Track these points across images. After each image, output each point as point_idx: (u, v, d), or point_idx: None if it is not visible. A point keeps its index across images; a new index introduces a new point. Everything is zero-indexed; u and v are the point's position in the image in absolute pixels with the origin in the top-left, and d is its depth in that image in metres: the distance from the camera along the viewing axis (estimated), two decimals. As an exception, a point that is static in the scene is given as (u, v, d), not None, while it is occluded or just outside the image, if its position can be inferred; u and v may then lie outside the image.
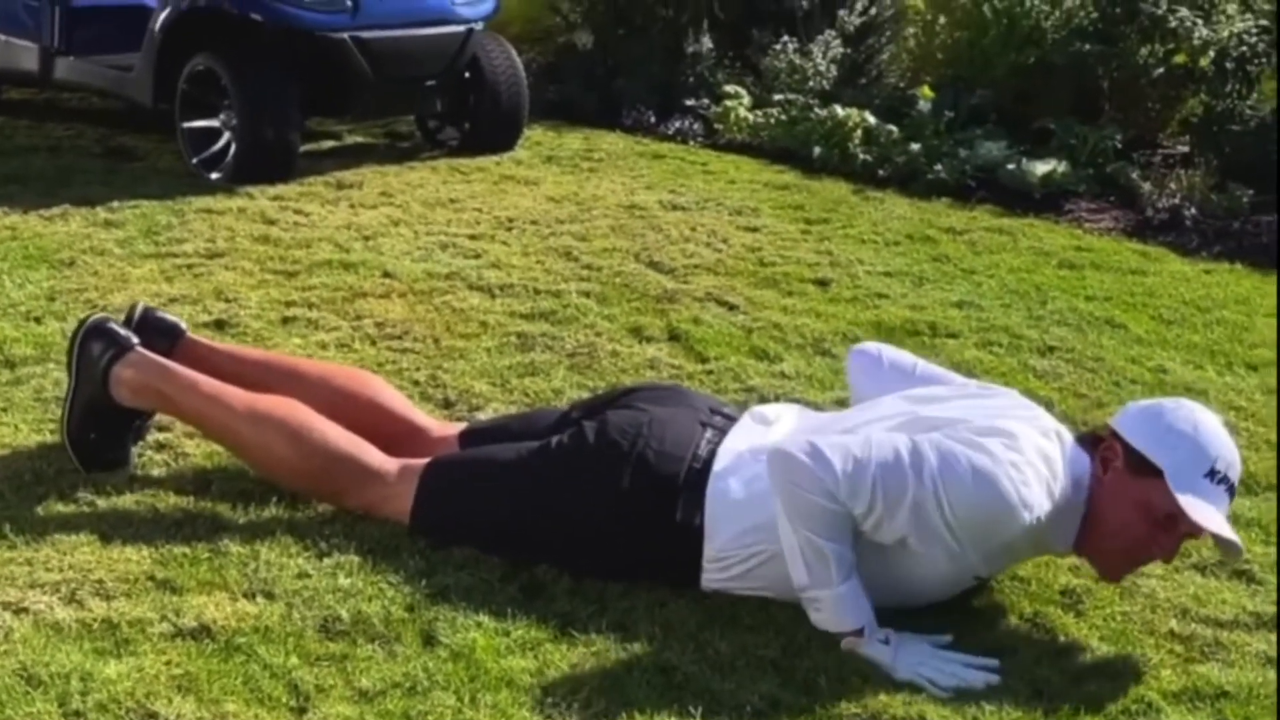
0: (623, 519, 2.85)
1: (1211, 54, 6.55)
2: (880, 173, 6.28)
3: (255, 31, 6.06)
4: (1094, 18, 6.90)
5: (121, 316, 3.37)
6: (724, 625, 2.72)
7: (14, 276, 4.51)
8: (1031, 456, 2.68)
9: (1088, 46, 6.79)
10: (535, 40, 8.60)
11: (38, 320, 4.14)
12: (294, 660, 2.54)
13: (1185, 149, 6.74)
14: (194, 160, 6.04)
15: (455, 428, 3.32)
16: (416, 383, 3.82)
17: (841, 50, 7.49)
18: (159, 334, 3.33)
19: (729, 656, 2.63)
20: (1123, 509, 2.73)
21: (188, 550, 2.87)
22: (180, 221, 5.24)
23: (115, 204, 5.41)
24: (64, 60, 6.62)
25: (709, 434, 2.93)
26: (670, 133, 7.20)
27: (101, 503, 3.06)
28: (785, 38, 7.47)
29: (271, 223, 5.30)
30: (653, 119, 7.34)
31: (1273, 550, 3.12)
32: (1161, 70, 6.71)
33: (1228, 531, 2.71)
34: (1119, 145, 6.40)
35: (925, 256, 5.21)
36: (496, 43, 6.75)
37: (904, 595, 2.75)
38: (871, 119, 6.55)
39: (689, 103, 7.38)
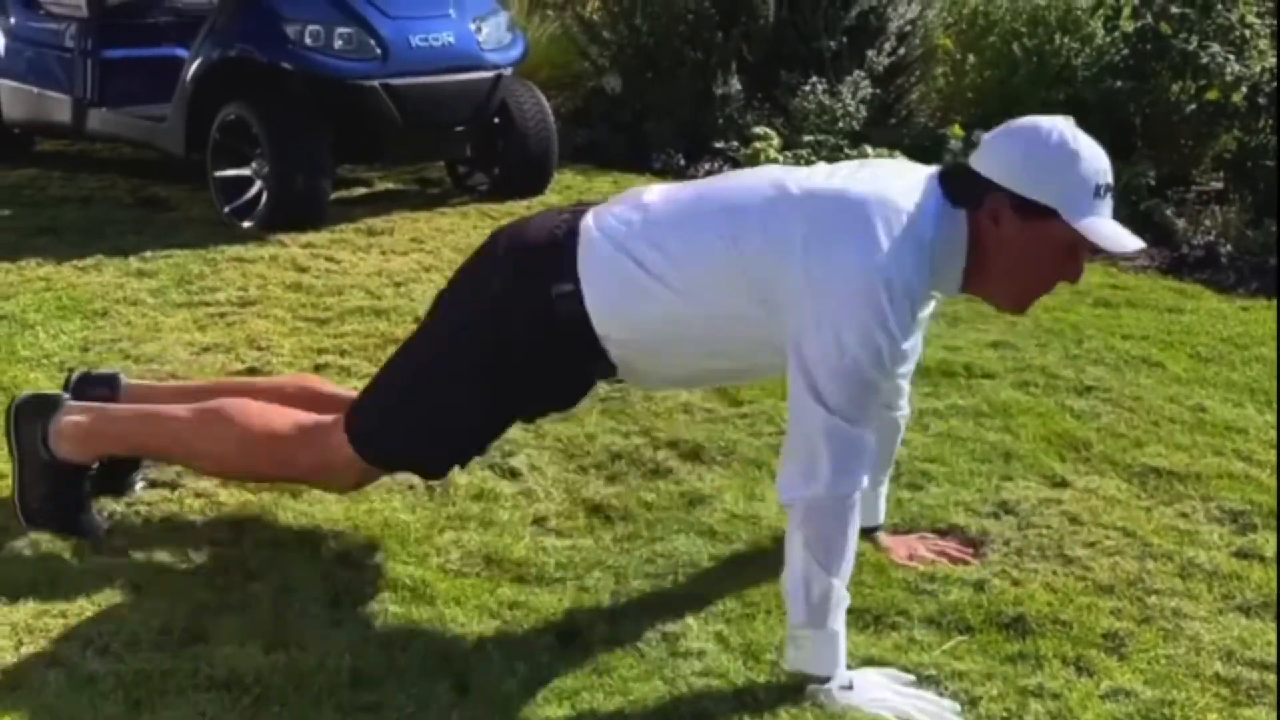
0: (509, 318, 2.83)
1: (1244, 90, 6.51)
2: (912, 212, 6.25)
3: (285, 80, 6.10)
4: (1124, 55, 6.88)
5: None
6: (766, 672, 2.69)
7: (48, 327, 4.53)
8: (908, 252, 2.58)
9: (1119, 84, 6.77)
10: (564, 85, 8.64)
11: (72, 371, 4.14)
12: (328, 711, 2.52)
13: (1219, 185, 6.70)
14: (226, 209, 6.07)
15: None
16: (449, 429, 3.80)
17: (871, 90, 7.48)
18: (97, 386, 3.34)
19: (770, 705, 2.60)
20: (1020, 252, 2.66)
21: (221, 600, 2.86)
22: (212, 270, 5.26)
23: (148, 254, 5.43)
24: (96, 111, 6.68)
25: (565, 216, 2.92)
26: (700, 175, 7.19)
27: (135, 553, 3.05)
28: (814, 79, 7.47)
29: (303, 270, 5.31)
30: (682, 161, 7.35)
31: (1320, 591, 3.07)
32: (1194, 107, 6.67)
33: (1132, 243, 2.64)
34: (1152, 182, 6.36)
35: (959, 296, 5.16)
36: (525, 88, 6.77)
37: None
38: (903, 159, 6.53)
39: (718, 145, 7.38)
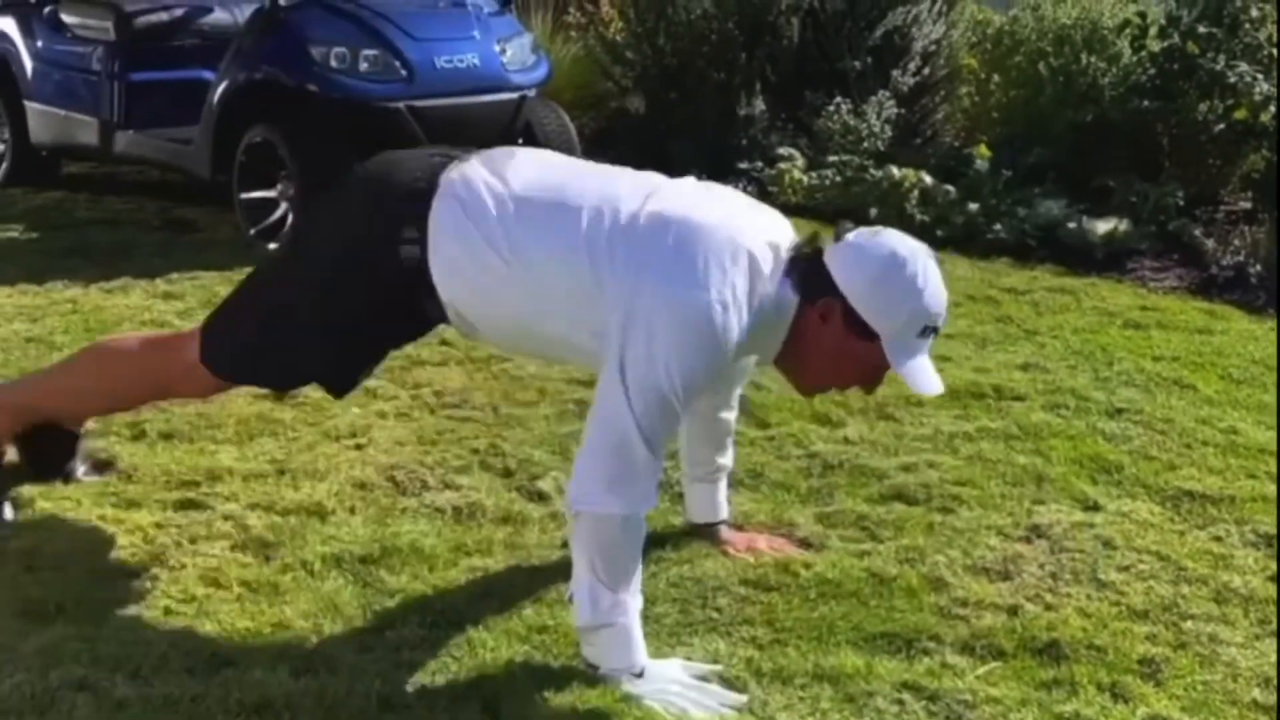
0: (357, 252, 2.93)
1: (1272, 109, 6.49)
2: (938, 233, 6.23)
3: (311, 102, 6.11)
4: (1152, 74, 6.86)
5: None
6: (797, 698, 2.66)
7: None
8: (739, 296, 2.65)
9: (1146, 103, 6.75)
10: (588, 106, 8.64)
11: None
12: (358, 737, 2.51)
13: (1248, 205, 6.67)
14: (252, 231, 6.07)
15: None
16: (475, 451, 3.79)
17: (895, 110, 7.47)
18: None
19: (800, 731, 2.58)
20: (833, 356, 2.77)
21: (250, 624, 2.85)
22: (239, 292, 5.26)
23: (174, 275, 5.44)
24: (123, 134, 6.70)
25: (436, 159, 2.96)
26: (725, 196, 7.17)
27: (164, 577, 3.04)
28: (838, 99, 7.46)
29: (329, 292, 5.30)
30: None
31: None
32: (1222, 126, 6.65)
33: (934, 387, 2.74)
34: (1181, 202, 6.33)
35: (987, 317, 5.16)
36: (549, 109, 6.77)
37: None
38: (928, 179, 6.51)
39: (743, 166, 7.36)
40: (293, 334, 3.04)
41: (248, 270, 5.42)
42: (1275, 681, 2.78)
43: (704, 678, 2.70)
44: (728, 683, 2.69)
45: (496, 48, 6.44)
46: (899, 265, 2.70)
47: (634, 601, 2.69)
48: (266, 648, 2.76)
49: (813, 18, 7.83)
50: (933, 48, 7.95)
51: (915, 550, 3.25)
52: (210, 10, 6.95)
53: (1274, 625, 2.99)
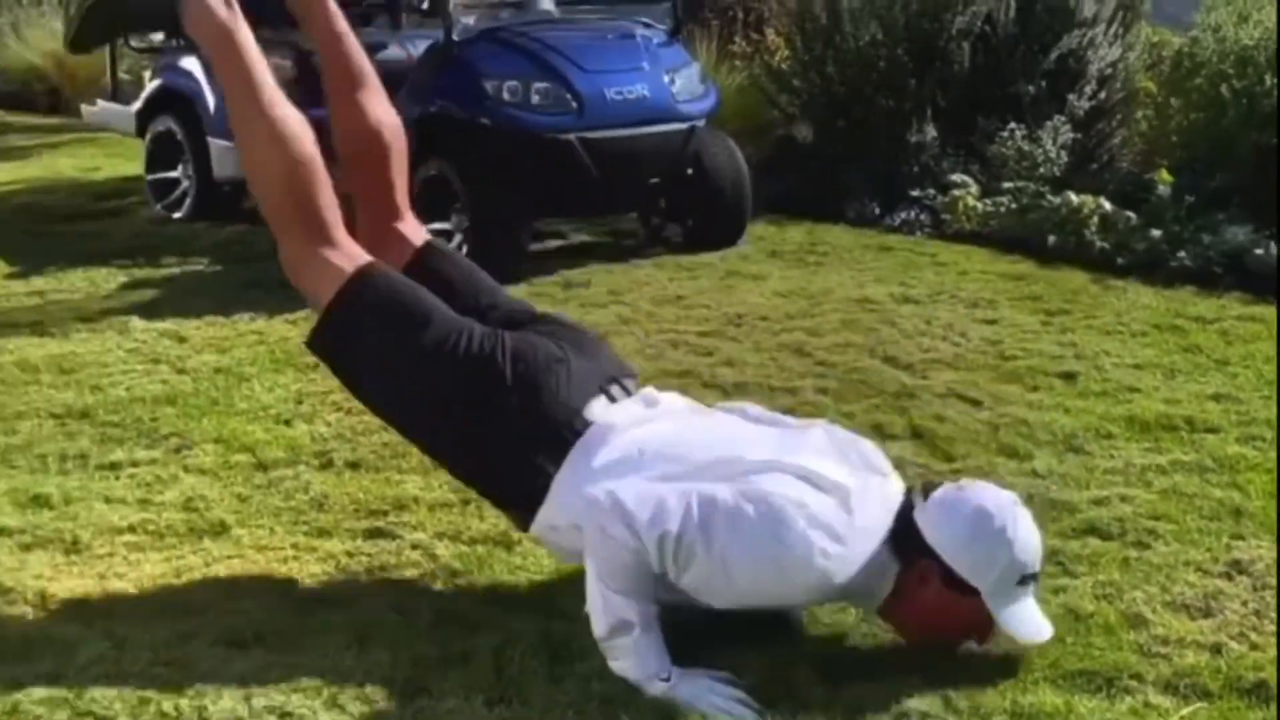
0: (492, 437, 2.93)
1: None
2: (1119, 261, 6.09)
3: (484, 136, 6.19)
4: (1339, 94, 6.64)
5: None
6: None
7: (263, 380, 4.64)
8: (834, 545, 2.68)
9: (1334, 125, 6.53)
10: (753, 134, 8.61)
11: (287, 423, 4.23)
12: (563, 769, 2.51)
13: None
14: (427, 263, 6.15)
15: (423, 234, 3.43)
16: (657, 482, 3.77)
17: (1071, 135, 7.32)
18: None
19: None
20: (937, 615, 2.79)
21: (442, 653, 2.87)
22: (417, 323, 5.33)
23: (355, 307, 5.52)
24: (302, 169, 6.84)
25: (601, 400, 2.99)
26: (896, 224, 7.11)
27: (358, 606, 3.08)
28: (1012, 124, 7.34)
29: (505, 322, 5.35)
30: (877, 211, 7.26)
31: None
32: None
33: (1042, 633, 2.78)
34: (1366, 228, 6.11)
35: (1175, 347, 5.02)
36: (718, 139, 6.78)
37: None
38: (1108, 205, 6.37)
39: (914, 193, 7.28)
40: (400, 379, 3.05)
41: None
42: None
43: (730, 681, 2.72)
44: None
45: (666, 78, 6.47)
46: (987, 519, 2.74)
47: (647, 608, 2.71)
48: (459, 677, 2.77)
49: (984, 42, 7.72)
50: (1109, 70, 7.78)
51: (1111, 586, 3.16)
52: (385, 45, 7.09)
53: None
